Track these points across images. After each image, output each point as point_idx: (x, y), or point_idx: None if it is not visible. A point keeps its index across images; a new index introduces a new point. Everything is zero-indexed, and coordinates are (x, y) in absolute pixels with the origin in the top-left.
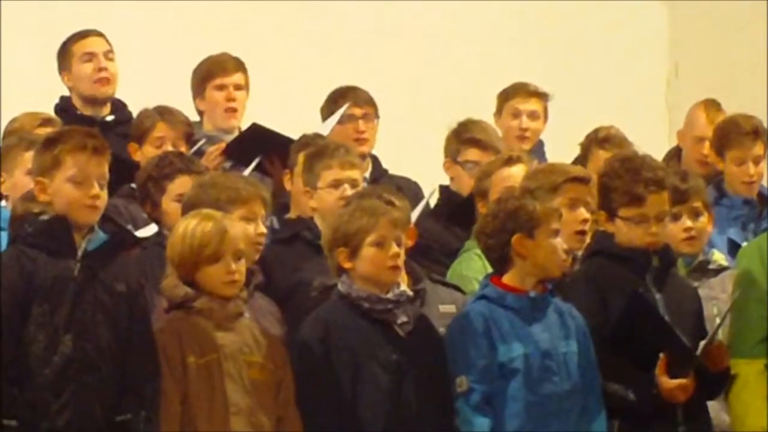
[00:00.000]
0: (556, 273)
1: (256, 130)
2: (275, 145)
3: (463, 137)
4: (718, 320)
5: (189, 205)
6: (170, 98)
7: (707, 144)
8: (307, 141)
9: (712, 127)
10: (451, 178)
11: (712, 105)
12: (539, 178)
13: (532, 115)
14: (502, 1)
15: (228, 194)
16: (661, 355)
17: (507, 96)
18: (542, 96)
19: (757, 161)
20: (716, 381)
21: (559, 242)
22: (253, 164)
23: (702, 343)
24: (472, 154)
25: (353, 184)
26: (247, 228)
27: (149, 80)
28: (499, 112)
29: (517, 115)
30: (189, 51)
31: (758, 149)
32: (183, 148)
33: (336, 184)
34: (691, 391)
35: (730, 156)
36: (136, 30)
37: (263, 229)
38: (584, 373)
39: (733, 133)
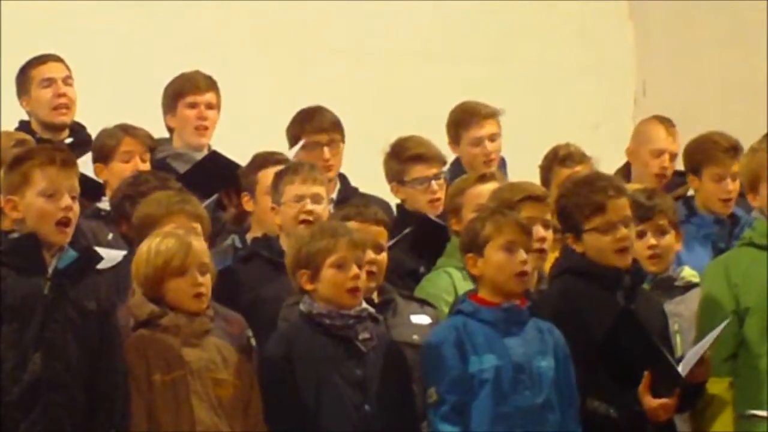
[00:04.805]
0: (512, 287)
1: (213, 158)
2: (230, 176)
3: (404, 156)
4: (678, 336)
5: (139, 225)
6: (131, 119)
7: (667, 156)
8: (264, 159)
9: (670, 140)
10: (403, 200)
11: (666, 120)
12: (497, 197)
13: (493, 138)
14: (468, 20)
15: (150, 210)
16: (646, 373)
17: (461, 125)
18: (496, 114)
19: (734, 177)
20: (691, 393)
21: (517, 256)
22: (211, 199)
23: (687, 364)
24: (418, 170)
25: (315, 199)
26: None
27: (110, 101)
28: (455, 142)
29: (478, 142)
30: (153, 71)
31: (736, 166)
32: (148, 161)
33: (297, 199)
34: (673, 411)
35: (708, 173)
36: (98, 51)
37: None
38: (561, 392)
39: (711, 150)
